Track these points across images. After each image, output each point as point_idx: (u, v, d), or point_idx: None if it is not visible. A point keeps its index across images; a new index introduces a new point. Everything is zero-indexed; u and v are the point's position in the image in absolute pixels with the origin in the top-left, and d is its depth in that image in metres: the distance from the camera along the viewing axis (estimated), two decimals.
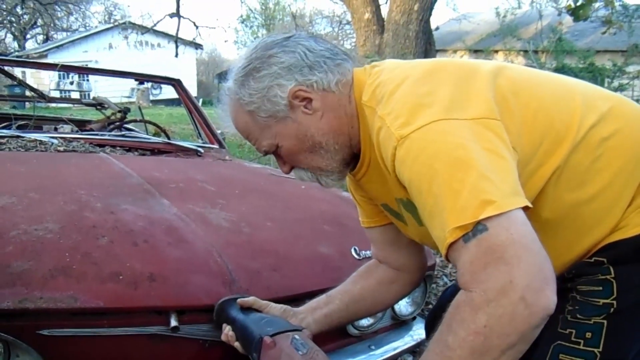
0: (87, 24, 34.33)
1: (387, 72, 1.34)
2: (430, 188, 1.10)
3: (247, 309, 1.60)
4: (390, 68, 1.37)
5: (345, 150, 1.41)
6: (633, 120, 1.32)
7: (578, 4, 8.11)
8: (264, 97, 1.36)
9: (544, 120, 1.25)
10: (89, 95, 18.45)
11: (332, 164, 1.43)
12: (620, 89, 10.43)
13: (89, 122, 4.38)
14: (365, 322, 2.04)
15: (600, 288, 1.26)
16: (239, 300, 1.61)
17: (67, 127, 3.78)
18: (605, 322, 1.25)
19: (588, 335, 1.26)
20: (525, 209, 1.06)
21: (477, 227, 1.02)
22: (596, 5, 9.22)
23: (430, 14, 9.50)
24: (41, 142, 2.91)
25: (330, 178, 1.46)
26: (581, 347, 1.26)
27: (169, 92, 4.25)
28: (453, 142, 1.10)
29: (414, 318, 2.28)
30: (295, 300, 1.76)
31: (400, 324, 2.24)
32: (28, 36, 36.25)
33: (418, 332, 2.22)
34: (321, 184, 1.49)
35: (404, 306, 2.20)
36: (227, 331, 1.57)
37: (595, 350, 1.25)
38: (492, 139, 1.13)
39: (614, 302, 1.24)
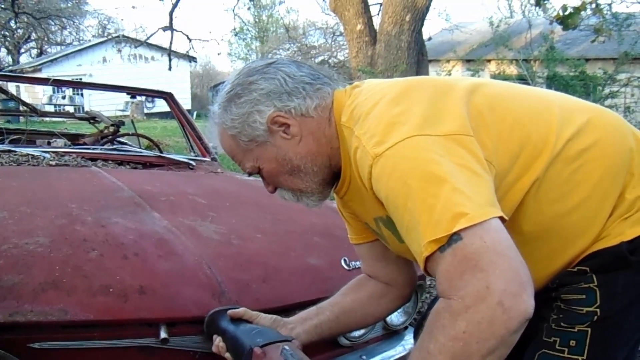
0: (80, 38, 34.31)
1: (365, 92, 1.38)
2: (405, 204, 1.12)
3: (237, 320, 1.60)
4: (368, 88, 1.40)
5: (325, 171, 1.45)
6: (611, 131, 1.34)
7: (566, 13, 8.15)
8: (245, 123, 1.41)
9: (521, 134, 1.27)
10: (82, 109, 18.45)
11: (312, 186, 1.47)
12: (611, 96, 10.47)
13: (82, 136, 4.39)
14: (356, 332, 2.04)
15: (584, 296, 1.28)
16: (229, 311, 1.62)
17: (60, 141, 3.79)
18: (589, 330, 1.26)
19: (572, 343, 1.27)
20: (501, 220, 1.08)
21: (452, 238, 1.04)
22: (587, 13, 9.27)
23: (422, 25, 9.54)
24: (33, 156, 2.93)
25: (311, 199, 1.50)
26: (566, 355, 1.28)
27: (163, 105, 4.29)
28: (426, 158, 1.12)
29: (406, 328, 2.28)
30: (285, 311, 1.76)
31: (392, 334, 2.24)
32: (22, 50, 36.25)
33: (410, 341, 2.22)
34: (303, 205, 1.52)
35: (395, 316, 2.20)
36: (218, 342, 1.58)
37: (580, 358, 1.27)
38: (464, 154, 1.15)
39: (598, 310, 1.26)
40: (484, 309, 0.99)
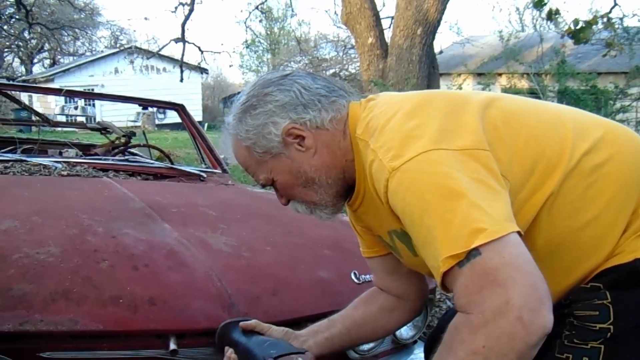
0: (93, 49, 34.56)
1: (380, 105, 1.38)
2: (422, 219, 1.13)
3: (249, 332, 1.60)
4: (383, 101, 1.40)
5: (339, 183, 1.45)
6: (626, 147, 1.33)
7: (578, 27, 8.15)
8: (259, 134, 1.41)
9: (535, 149, 1.27)
10: (93, 119, 18.55)
11: (326, 198, 1.46)
12: (623, 110, 10.43)
13: (94, 146, 4.40)
14: (365, 346, 2.03)
15: (597, 313, 1.27)
16: (241, 323, 1.62)
17: (72, 152, 3.81)
18: (602, 346, 1.25)
19: (585, 359, 1.26)
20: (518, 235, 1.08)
21: (471, 253, 1.05)
22: (598, 27, 9.27)
23: (433, 38, 9.57)
24: (45, 166, 2.94)
25: (324, 212, 1.50)
26: None
27: (174, 116, 4.30)
28: (442, 172, 1.13)
29: (415, 342, 2.27)
30: (294, 324, 1.76)
31: (401, 348, 2.23)
32: (35, 60, 36.54)
33: (419, 355, 2.20)
34: (316, 217, 1.52)
35: (404, 330, 2.19)
36: (230, 354, 1.57)
37: None
38: (479, 169, 1.15)
39: (611, 326, 1.25)
40: (503, 324, 1.00)
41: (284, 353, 1.47)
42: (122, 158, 3.66)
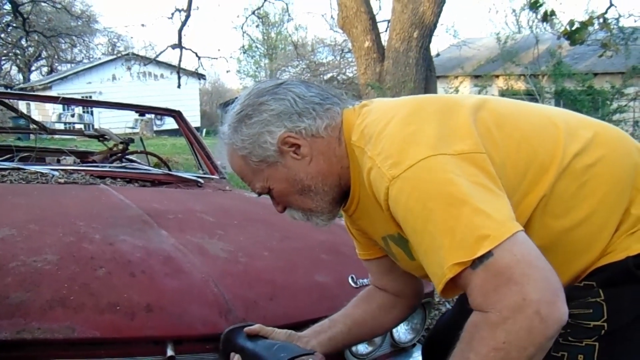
0: (90, 56, 34.51)
1: (375, 111, 1.39)
2: (425, 226, 1.14)
3: (254, 337, 1.60)
4: (377, 107, 1.41)
5: (335, 190, 1.46)
6: (617, 147, 1.35)
7: (573, 28, 8.17)
8: (255, 143, 1.41)
9: (528, 151, 1.28)
10: (91, 126, 18.52)
11: (322, 205, 1.47)
12: (620, 110, 10.43)
13: (91, 153, 4.41)
14: (364, 349, 2.04)
15: (591, 311, 1.28)
16: (245, 328, 1.62)
17: (69, 159, 3.81)
18: (596, 344, 1.27)
19: (580, 357, 1.28)
20: None
21: (484, 255, 1.07)
22: (594, 28, 9.28)
23: (430, 41, 9.58)
24: (42, 174, 2.94)
25: (321, 218, 1.51)
26: None
27: (172, 122, 4.33)
28: (443, 179, 1.14)
29: (414, 345, 2.27)
30: (293, 328, 1.75)
31: (400, 351, 2.23)
32: (33, 68, 36.55)
33: (418, 359, 2.21)
34: (312, 224, 1.53)
35: (403, 333, 2.20)
36: None
37: None
38: (478, 173, 1.17)
39: (605, 324, 1.27)
40: (522, 320, 1.03)
41: (294, 355, 1.47)
42: (119, 165, 3.67)
